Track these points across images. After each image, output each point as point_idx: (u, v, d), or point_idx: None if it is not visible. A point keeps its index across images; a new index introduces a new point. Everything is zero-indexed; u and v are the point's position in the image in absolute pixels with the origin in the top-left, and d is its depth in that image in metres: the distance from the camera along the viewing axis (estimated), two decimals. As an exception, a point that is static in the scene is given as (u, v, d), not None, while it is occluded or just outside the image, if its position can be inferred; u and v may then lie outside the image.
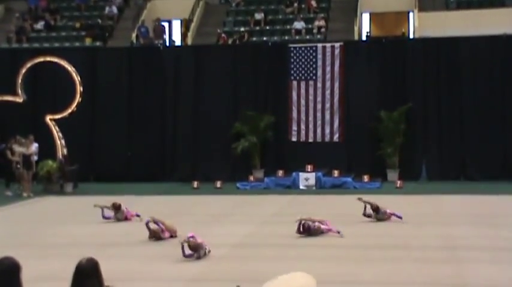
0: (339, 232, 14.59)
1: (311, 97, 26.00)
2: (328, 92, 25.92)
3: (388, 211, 16.52)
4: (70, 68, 25.32)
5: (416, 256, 12.65)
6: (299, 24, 30.83)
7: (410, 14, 33.37)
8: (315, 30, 30.62)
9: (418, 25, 30.85)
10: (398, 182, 23.78)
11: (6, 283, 5.27)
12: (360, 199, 16.71)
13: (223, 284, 11.28)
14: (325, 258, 12.77)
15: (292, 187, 23.81)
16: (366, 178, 23.95)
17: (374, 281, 11.16)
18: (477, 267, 11.86)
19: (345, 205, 19.90)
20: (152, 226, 14.65)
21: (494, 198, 20.43)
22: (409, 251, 13.14)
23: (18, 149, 22.98)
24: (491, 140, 25.00)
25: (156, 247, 14.00)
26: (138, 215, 16.58)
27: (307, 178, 23.85)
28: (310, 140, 26.02)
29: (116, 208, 16.83)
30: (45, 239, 15.16)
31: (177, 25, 35.29)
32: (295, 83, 26.12)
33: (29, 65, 25.38)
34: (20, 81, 25.22)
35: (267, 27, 31.81)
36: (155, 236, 14.56)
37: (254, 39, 30.90)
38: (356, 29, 30.89)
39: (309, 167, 24.06)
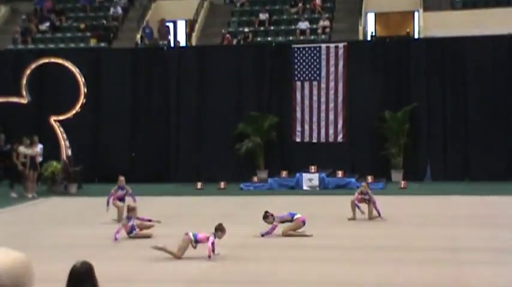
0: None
1: (315, 97, 25.98)
2: (332, 92, 25.90)
3: (376, 202, 16.60)
4: (74, 69, 25.37)
5: (418, 258, 12.61)
6: (303, 25, 30.81)
7: (416, 14, 33.31)
8: (319, 31, 30.59)
9: (424, 25, 30.80)
10: (403, 182, 23.74)
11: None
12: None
13: (224, 286, 11.31)
14: (327, 259, 12.77)
15: (295, 188, 23.78)
16: (369, 179, 23.89)
17: (375, 282, 11.14)
18: (480, 269, 11.83)
19: (349, 205, 19.86)
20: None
21: (498, 199, 20.36)
22: (411, 252, 13.11)
23: (23, 150, 23.01)
24: (495, 140, 24.93)
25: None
26: (149, 220, 15.96)
27: (310, 178, 23.82)
28: (314, 140, 26.01)
29: (131, 210, 16.10)
30: (48, 240, 15.19)
31: (181, 26, 35.29)
32: (299, 83, 26.10)
33: (33, 66, 25.44)
34: (24, 82, 25.28)
35: (272, 28, 31.80)
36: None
37: (259, 39, 30.89)
38: (361, 29, 30.84)
39: (312, 168, 24.03)
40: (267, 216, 15.08)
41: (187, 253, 13.07)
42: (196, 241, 12.92)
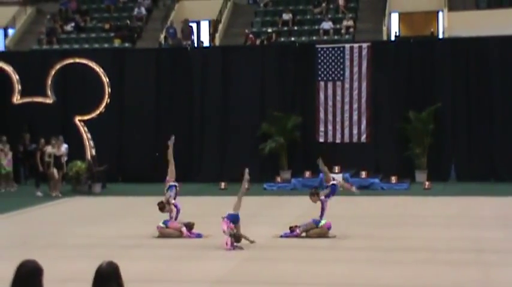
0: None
1: (338, 98, 25.91)
2: (355, 92, 25.82)
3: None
4: (98, 70, 25.49)
5: (441, 259, 12.55)
6: (327, 25, 30.76)
7: (440, 14, 33.12)
8: (343, 31, 30.53)
9: (448, 25, 30.63)
10: (427, 183, 23.60)
11: (28, 286, 5.36)
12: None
13: (251, 286, 11.31)
14: (351, 260, 12.75)
15: (319, 188, 23.64)
16: (393, 179, 23.81)
17: (397, 284, 11.10)
18: (505, 270, 11.74)
19: (372, 206, 19.83)
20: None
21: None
22: (435, 253, 13.03)
23: (49, 150, 23.20)
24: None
25: (182, 249, 14.04)
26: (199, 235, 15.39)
27: (334, 178, 23.65)
28: (338, 140, 25.93)
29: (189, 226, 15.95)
30: (72, 239, 15.28)
31: (205, 26, 35.38)
32: (322, 83, 26.05)
33: (58, 66, 25.60)
34: (49, 82, 25.45)
35: (295, 28, 31.77)
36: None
37: (282, 39, 30.88)
38: (385, 29, 30.73)
39: (336, 168, 23.89)
40: (292, 230, 14.98)
41: (213, 254, 13.13)
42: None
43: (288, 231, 14.96)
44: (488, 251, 13.29)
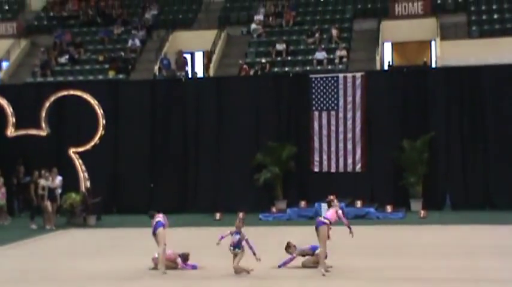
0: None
1: (333, 127, 25.95)
2: (350, 122, 25.86)
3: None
4: (93, 101, 25.52)
5: (440, 289, 12.49)
6: (320, 55, 30.92)
7: (433, 43, 33.35)
8: (336, 60, 30.69)
9: (441, 54, 30.82)
10: (422, 212, 23.58)
11: None
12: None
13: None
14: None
15: (314, 218, 23.58)
16: (389, 208, 23.77)
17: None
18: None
19: (368, 235, 19.76)
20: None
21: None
22: (432, 284, 12.96)
23: (43, 182, 23.14)
24: (516, 168, 24.75)
25: (178, 280, 13.96)
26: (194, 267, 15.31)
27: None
28: (333, 170, 25.93)
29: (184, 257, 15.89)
30: (68, 273, 15.15)
31: (199, 57, 35.56)
32: (316, 113, 26.10)
33: (52, 98, 25.62)
34: (44, 114, 25.45)
35: (289, 58, 31.93)
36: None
37: (276, 69, 31.02)
38: (378, 58, 30.91)
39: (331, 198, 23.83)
40: (289, 246, 15.03)
41: (209, 285, 13.04)
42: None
43: (284, 259, 14.86)
44: (485, 280, 13.23)
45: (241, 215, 14.30)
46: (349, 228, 14.16)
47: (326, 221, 14.07)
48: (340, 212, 14.26)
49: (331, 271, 14.29)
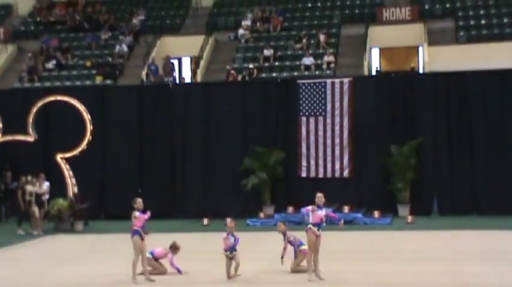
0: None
1: (320, 133, 25.98)
2: (337, 127, 25.89)
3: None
4: (80, 107, 25.43)
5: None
6: (308, 60, 30.99)
7: (420, 49, 33.51)
8: (324, 66, 30.78)
9: (428, 59, 30.97)
10: (410, 217, 23.62)
11: None
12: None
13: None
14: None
15: (302, 223, 23.61)
16: (376, 214, 23.80)
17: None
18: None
19: (355, 241, 19.79)
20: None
21: (507, 233, 20.22)
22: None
23: (30, 188, 23.05)
24: (503, 174, 24.82)
25: (164, 286, 13.91)
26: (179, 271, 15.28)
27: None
28: (320, 175, 25.94)
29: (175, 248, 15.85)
30: (55, 278, 15.11)
31: (186, 62, 35.56)
32: (304, 118, 26.12)
33: (39, 104, 25.51)
34: (31, 120, 25.33)
35: (276, 63, 31.99)
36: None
37: (263, 75, 31.06)
38: (366, 64, 31.03)
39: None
40: (279, 225, 15.39)
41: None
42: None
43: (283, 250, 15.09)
44: (472, 285, 13.28)
45: (229, 220, 14.32)
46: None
47: (311, 226, 14.08)
48: (322, 212, 14.48)
49: (318, 278, 14.29)
